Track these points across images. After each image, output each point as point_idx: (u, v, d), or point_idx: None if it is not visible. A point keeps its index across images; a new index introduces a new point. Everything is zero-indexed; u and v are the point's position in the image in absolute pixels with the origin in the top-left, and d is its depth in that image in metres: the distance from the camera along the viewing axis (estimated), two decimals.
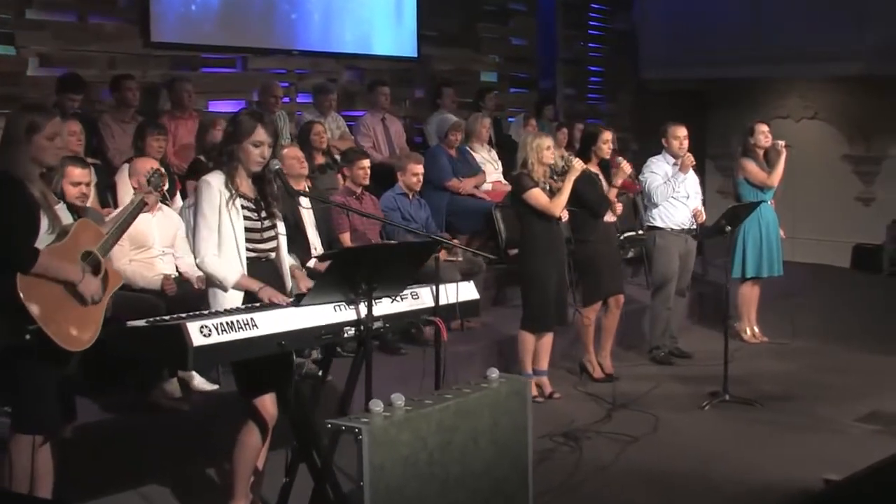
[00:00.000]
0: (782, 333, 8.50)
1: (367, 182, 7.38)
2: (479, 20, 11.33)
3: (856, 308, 9.92)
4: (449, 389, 3.95)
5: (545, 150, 6.61)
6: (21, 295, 3.86)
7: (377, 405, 3.61)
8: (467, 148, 9.33)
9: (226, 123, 4.54)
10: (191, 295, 6.02)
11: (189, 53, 8.69)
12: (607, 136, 7.03)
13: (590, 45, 12.90)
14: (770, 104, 14.03)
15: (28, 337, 3.90)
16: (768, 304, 8.68)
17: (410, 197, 7.70)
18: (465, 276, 7.50)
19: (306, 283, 4.45)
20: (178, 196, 7.08)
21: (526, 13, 11.92)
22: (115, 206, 6.71)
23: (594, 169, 7.00)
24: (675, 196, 7.58)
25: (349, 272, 3.93)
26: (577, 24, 12.58)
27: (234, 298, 4.32)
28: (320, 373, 4.20)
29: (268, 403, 4.40)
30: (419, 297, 4.37)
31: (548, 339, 6.75)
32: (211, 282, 4.40)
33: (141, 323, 3.88)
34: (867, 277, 12.74)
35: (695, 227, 7.67)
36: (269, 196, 4.49)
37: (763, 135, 8.20)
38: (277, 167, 4.49)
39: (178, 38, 8.57)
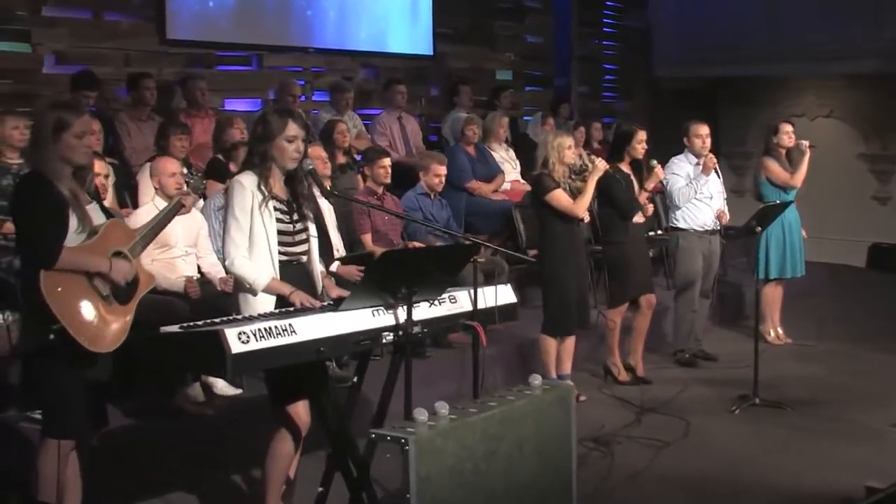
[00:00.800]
0: (805, 335, 8.39)
1: (388, 181, 7.27)
2: (494, 18, 11.23)
3: (877, 309, 9.79)
4: (492, 397, 3.83)
5: (566, 149, 6.47)
6: (44, 292, 3.75)
7: (421, 414, 3.50)
8: (486, 147, 9.21)
9: (252, 124, 4.42)
10: (213, 297, 5.93)
11: (204, 51, 8.58)
12: (642, 135, 6.90)
13: (604, 42, 12.78)
14: (785, 102, 13.91)
15: (52, 337, 3.79)
16: (788, 305, 8.56)
17: (432, 197, 7.58)
18: (487, 277, 7.42)
19: (337, 292, 4.33)
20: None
21: (541, 10, 11.82)
22: (135, 206, 6.60)
23: (626, 169, 6.88)
24: (699, 197, 7.46)
25: (389, 276, 3.81)
26: (592, 21, 12.47)
27: (266, 303, 4.21)
28: (355, 379, 4.08)
29: (301, 411, 4.28)
30: (457, 301, 4.25)
31: (570, 342, 6.62)
32: (240, 285, 4.28)
33: (175, 328, 3.77)
34: (884, 277, 12.62)
35: (718, 227, 7.56)
36: (300, 197, 4.38)
37: (787, 134, 8.08)
38: (311, 167, 4.38)
39: (194, 36, 8.49)
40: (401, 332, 3.96)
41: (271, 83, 8.88)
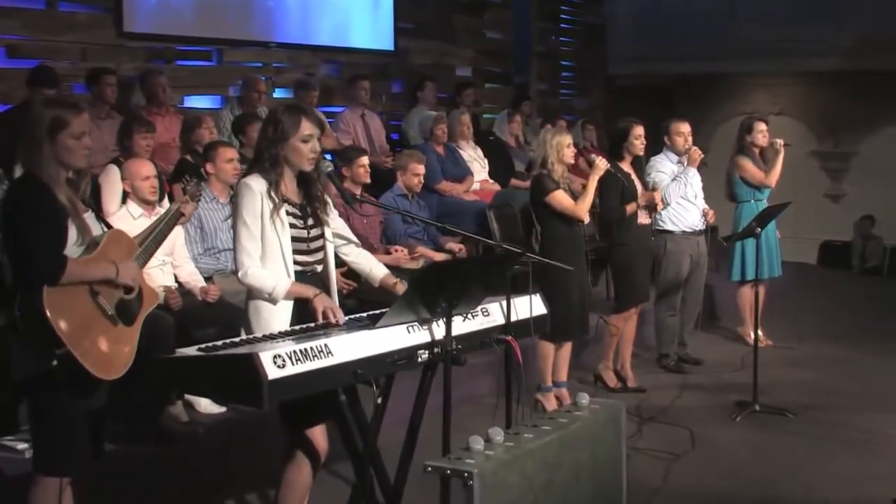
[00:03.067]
0: (782, 336, 8.27)
1: (367, 180, 6.91)
2: (455, 12, 10.91)
3: (848, 308, 9.81)
4: (543, 419, 3.53)
5: (566, 147, 6.22)
6: (48, 312, 3.34)
7: (478, 442, 3.18)
8: (454, 146, 8.90)
9: (262, 125, 4.04)
10: (196, 307, 5.54)
11: (164, 45, 8.10)
12: (639, 130, 6.66)
13: (562, 38, 12.56)
14: (737, 100, 13.92)
15: (55, 363, 3.39)
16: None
17: (410, 198, 7.25)
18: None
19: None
20: (165, 200, 6.52)
21: (501, 5, 11.53)
22: (99, 210, 6.14)
23: (626, 167, 6.63)
24: (685, 196, 7.24)
25: (433, 289, 3.48)
26: (550, 16, 12.24)
27: (281, 316, 3.85)
28: (379, 400, 3.73)
29: (319, 436, 3.95)
30: (489, 314, 3.94)
31: (567, 348, 6.38)
32: (253, 295, 3.90)
33: (191, 351, 3.38)
34: (839, 275, 12.68)
35: (705, 227, 7.35)
36: (315, 200, 4.02)
37: (761, 133, 7.95)
38: (329, 169, 4.02)
39: (153, 29, 8.00)
40: (437, 350, 3.63)
41: (232, 79, 8.46)
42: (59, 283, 3.40)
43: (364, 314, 3.91)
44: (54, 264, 3.42)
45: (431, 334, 3.64)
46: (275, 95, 8.92)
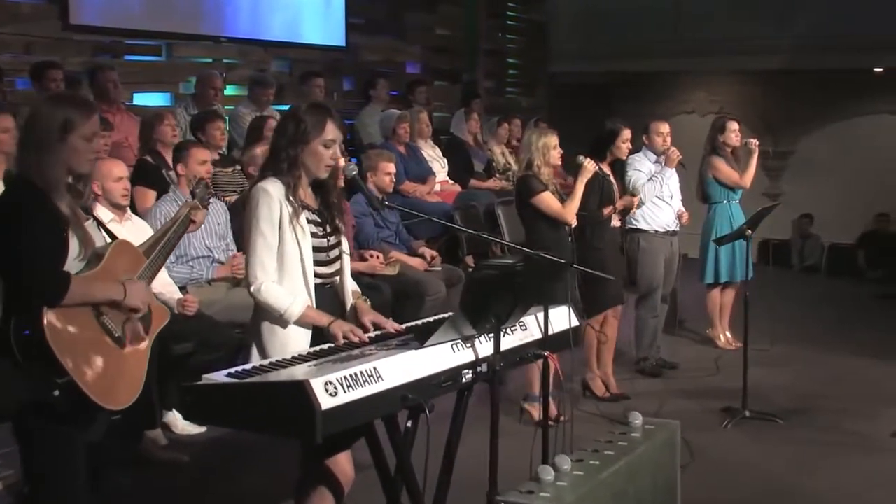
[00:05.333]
0: (751, 338, 8.14)
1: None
2: (405, 8, 10.59)
3: (800, 307, 9.82)
4: (602, 442, 3.27)
5: (552, 149, 6.02)
6: (49, 337, 2.96)
7: (548, 473, 2.91)
8: (415, 146, 8.62)
9: (280, 122, 3.70)
10: (172, 320, 5.11)
11: (112, 39, 7.62)
12: (627, 134, 6.47)
13: (507, 36, 12.34)
14: (676, 99, 13.89)
15: (56, 393, 3.00)
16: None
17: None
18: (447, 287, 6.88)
19: (370, 317, 3.68)
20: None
21: (452, 2, 11.24)
22: None
23: (606, 169, 6.43)
24: (660, 195, 7.09)
25: (484, 304, 3.19)
26: (497, 13, 12.00)
27: (299, 336, 3.52)
28: (409, 423, 3.43)
29: (344, 463, 3.62)
30: (527, 329, 3.67)
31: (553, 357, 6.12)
32: (263, 314, 3.56)
33: (220, 377, 3.03)
34: (780, 273, 12.72)
35: (678, 228, 7.22)
36: (332, 207, 3.70)
37: (734, 133, 7.86)
38: (354, 173, 3.70)
39: (100, 22, 7.52)
40: (480, 369, 3.35)
41: (182, 75, 8.03)
42: (61, 304, 3.02)
43: (377, 331, 3.59)
44: (56, 284, 3.04)
45: (475, 352, 3.35)
46: (226, 93, 8.49)
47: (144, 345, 3.34)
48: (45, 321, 2.99)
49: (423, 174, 8.44)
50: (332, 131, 3.57)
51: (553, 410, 6.10)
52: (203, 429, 5.16)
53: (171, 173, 6.17)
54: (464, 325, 3.22)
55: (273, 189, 3.53)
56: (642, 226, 7.13)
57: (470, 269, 7.72)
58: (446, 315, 3.91)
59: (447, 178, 8.88)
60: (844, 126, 13.00)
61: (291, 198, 3.54)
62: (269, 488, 4.69)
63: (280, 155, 3.58)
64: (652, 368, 7.27)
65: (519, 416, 6.03)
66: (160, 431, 5.01)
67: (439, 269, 6.98)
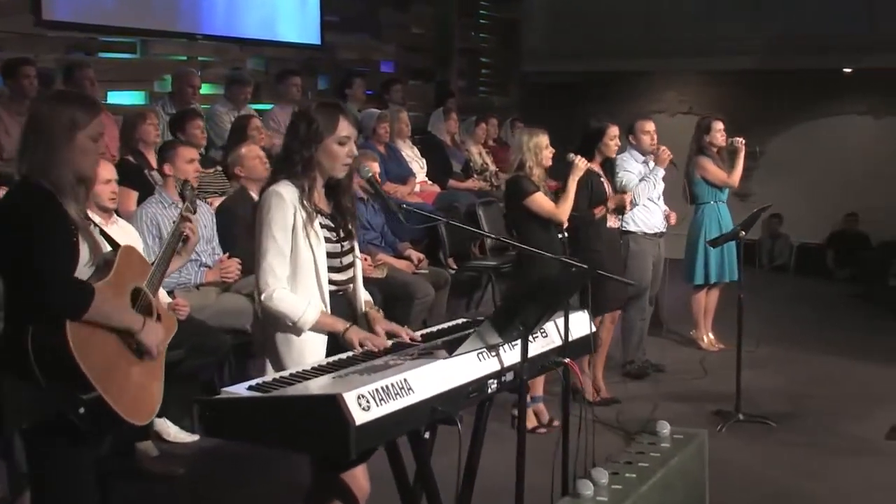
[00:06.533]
0: (734, 339, 8.13)
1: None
2: (380, 6, 10.45)
3: (774, 307, 9.81)
4: (632, 454, 3.17)
5: (544, 150, 5.92)
6: (75, 352, 2.81)
7: (587, 488, 2.81)
8: (394, 146, 8.49)
9: (291, 122, 3.56)
10: None
11: (86, 35, 7.40)
12: (614, 131, 6.38)
13: (480, 35, 12.25)
14: (647, 98, 13.88)
15: (82, 410, 2.85)
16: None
17: (367, 201, 6.80)
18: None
19: (384, 326, 3.55)
20: None
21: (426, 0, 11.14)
22: None
23: (596, 168, 6.34)
24: (650, 196, 7.02)
25: (521, 310, 3.08)
26: (470, 12, 11.90)
27: (316, 347, 3.39)
28: (427, 434, 3.31)
29: (360, 477, 3.49)
30: (547, 336, 3.56)
31: None
32: (275, 323, 3.42)
33: (242, 390, 2.89)
34: (750, 273, 12.72)
35: (665, 230, 7.17)
36: (346, 211, 3.57)
37: (720, 132, 7.82)
38: (370, 174, 3.58)
39: (74, 17, 7.30)
40: (505, 378, 3.24)
41: (157, 73, 7.82)
42: (82, 319, 2.86)
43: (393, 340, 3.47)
44: (80, 296, 2.89)
45: (500, 361, 3.24)
46: (202, 92, 8.29)
47: (161, 355, 3.19)
48: (69, 335, 2.83)
49: (404, 175, 8.31)
50: (345, 128, 3.45)
51: (544, 414, 6.10)
52: (196, 436, 5.01)
53: (154, 174, 6.00)
54: (491, 333, 3.10)
55: (287, 193, 3.39)
56: (632, 227, 7.02)
57: (452, 271, 7.63)
58: (459, 321, 3.83)
59: (426, 178, 8.76)
60: (813, 126, 13.08)
61: (306, 202, 3.41)
62: (268, 498, 4.56)
63: (293, 157, 3.44)
64: (637, 371, 7.20)
65: (511, 421, 5.92)
66: (151, 443, 4.83)
67: (426, 271, 6.87)
